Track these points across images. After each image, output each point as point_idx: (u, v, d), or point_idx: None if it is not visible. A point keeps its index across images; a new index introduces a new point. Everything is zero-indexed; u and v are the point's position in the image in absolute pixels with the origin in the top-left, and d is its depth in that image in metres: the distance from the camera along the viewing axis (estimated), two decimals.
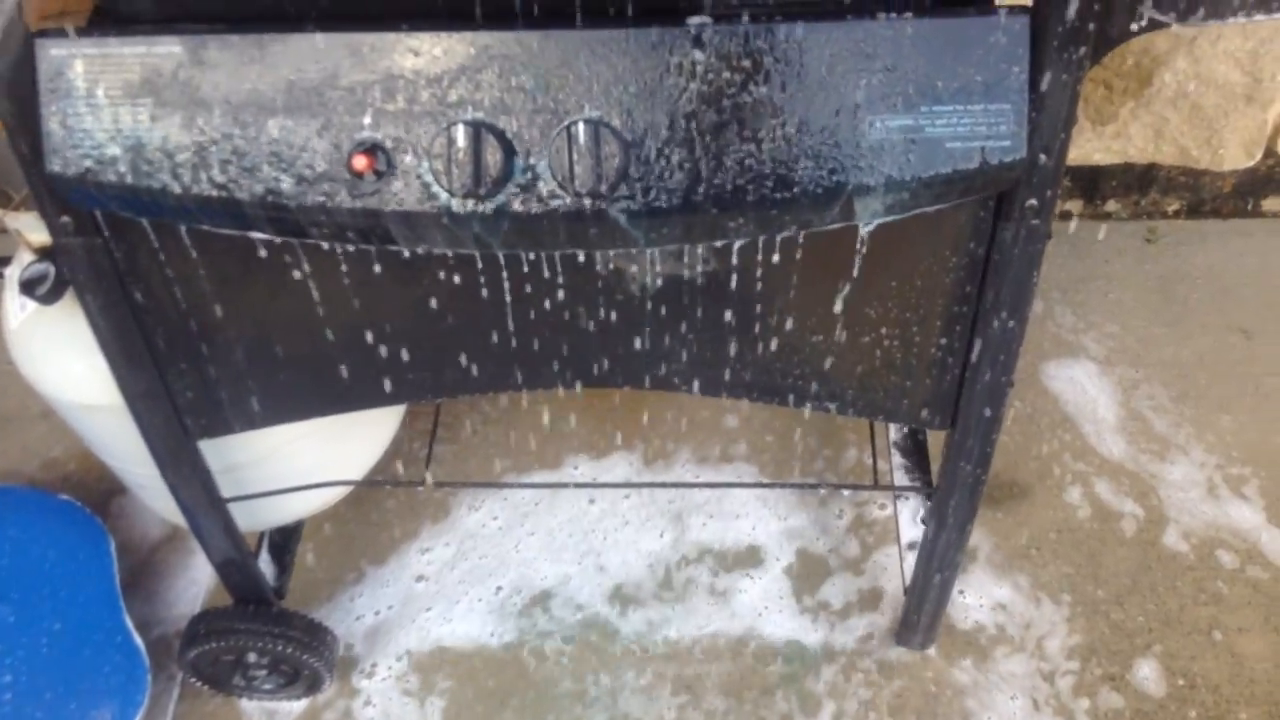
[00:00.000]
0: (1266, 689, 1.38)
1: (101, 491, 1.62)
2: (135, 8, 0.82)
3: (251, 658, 1.34)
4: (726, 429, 1.67)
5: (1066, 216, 1.95)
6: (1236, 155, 1.82)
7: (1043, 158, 0.83)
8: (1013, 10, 0.78)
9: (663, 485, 1.61)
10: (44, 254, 1.06)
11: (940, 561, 1.27)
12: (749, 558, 1.53)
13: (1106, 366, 1.74)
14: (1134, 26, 0.76)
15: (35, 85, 0.82)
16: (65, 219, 0.91)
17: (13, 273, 1.13)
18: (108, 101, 0.82)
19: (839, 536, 1.55)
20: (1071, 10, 0.76)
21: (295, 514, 1.41)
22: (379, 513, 1.61)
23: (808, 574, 1.52)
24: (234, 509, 1.23)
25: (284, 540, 1.45)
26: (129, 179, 0.83)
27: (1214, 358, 1.74)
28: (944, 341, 1.03)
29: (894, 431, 1.51)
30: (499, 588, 1.52)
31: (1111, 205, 1.94)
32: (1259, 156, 1.83)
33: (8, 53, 0.80)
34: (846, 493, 1.59)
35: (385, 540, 1.58)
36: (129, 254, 0.95)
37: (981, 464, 1.13)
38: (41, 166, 0.84)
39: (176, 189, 0.83)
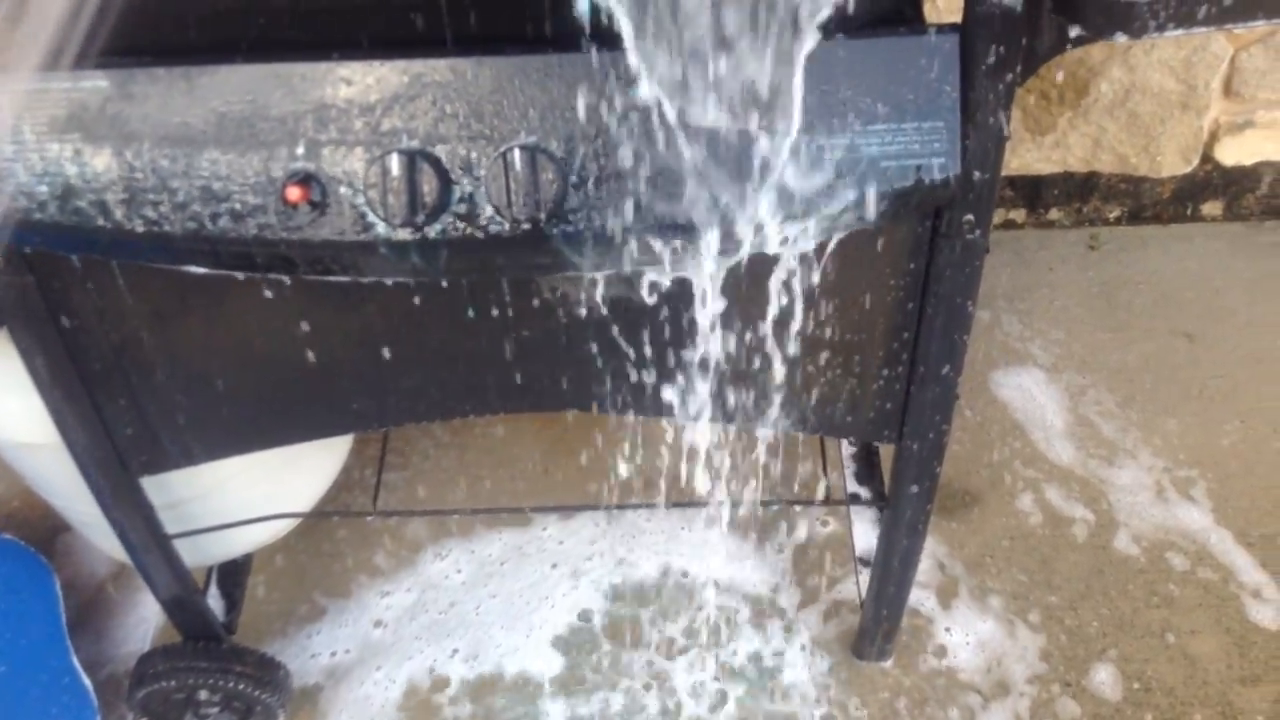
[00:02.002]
0: (1219, 689, 1.40)
1: (46, 529, 1.59)
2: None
3: (203, 695, 1.32)
4: (679, 448, 1.66)
5: (1010, 226, 1.98)
6: (1174, 162, 1.85)
7: (978, 174, 0.84)
8: (943, 29, 0.79)
9: (620, 507, 1.60)
10: None
11: (894, 573, 1.27)
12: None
13: (1054, 373, 1.76)
14: (1061, 43, 0.77)
15: None
16: None
17: None
18: (34, 138, 0.80)
19: (784, 565, 1.56)
20: (999, 29, 0.76)
21: (243, 548, 1.39)
22: (331, 543, 1.59)
23: (760, 609, 1.52)
24: (180, 544, 1.21)
25: (233, 574, 1.43)
26: (58, 216, 0.82)
27: (1158, 362, 1.76)
28: (889, 357, 1.03)
29: (847, 444, 1.52)
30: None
31: (1054, 214, 1.96)
32: (1196, 162, 1.87)
33: None
34: (797, 509, 1.60)
35: (338, 571, 1.56)
36: (61, 291, 0.93)
37: (930, 476, 1.13)
38: None
39: (107, 226, 0.82)
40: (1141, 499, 1.60)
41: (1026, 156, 1.85)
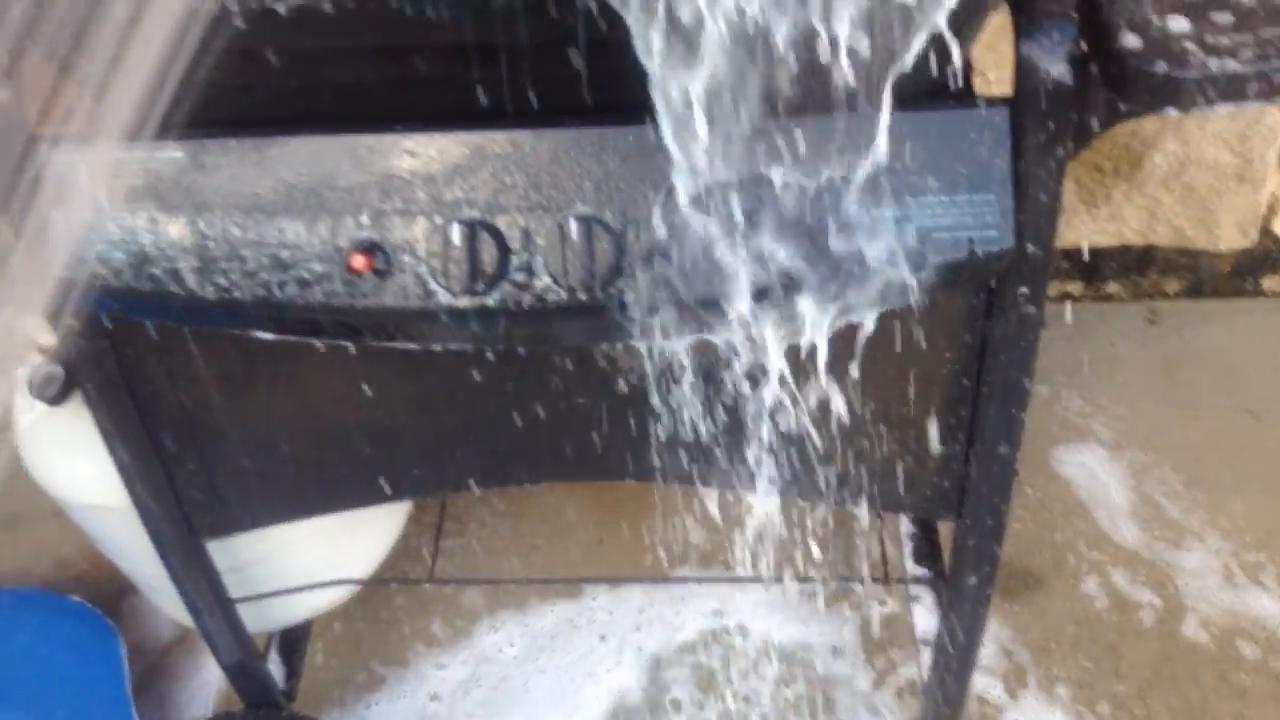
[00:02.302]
0: None
1: (113, 592, 1.61)
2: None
3: None
4: (735, 518, 1.66)
5: (1067, 299, 1.96)
6: (1232, 235, 1.83)
7: (1031, 246, 0.84)
8: (993, 103, 0.80)
9: (671, 580, 1.59)
10: (53, 356, 1.08)
11: (955, 656, 1.24)
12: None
13: (1116, 451, 1.73)
14: (1112, 117, 0.78)
15: (42, 191, 0.84)
16: (71, 322, 0.93)
17: (23, 374, 1.15)
18: (112, 207, 0.84)
19: (841, 644, 1.53)
20: (1050, 103, 0.77)
21: (304, 613, 1.40)
22: (389, 609, 1.60)
23: (816, 688, 1.50)
24: (242, 609, 1.23)
25: (293, 640, 1.45)
26: (132, 283, 0.85)
27: (1224, 440, 1.73)
28: (944, 432, 1.02)
29: (905, 519, 1.50)
30: None
31: (1112, 287, 1.94)
32: (1255, 236, 1.84)
33: (16, 159, 0.82)
34: (859, 588, 1.58)
35: (395, 639, 1.56)
36: (134, 355, 0.96)
37: (990, 557, 1.11)
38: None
39: (179, 292, 0.85)
40: (1210, 583, 1.56)
41: (1082, 229, 1.84)
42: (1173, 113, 0.74)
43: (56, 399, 1.06)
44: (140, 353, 0.97)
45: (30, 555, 1.68)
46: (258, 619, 1.31)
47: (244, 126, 0.82)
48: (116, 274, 0.85)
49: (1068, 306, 1.94)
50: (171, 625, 1.58)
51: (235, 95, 0.81)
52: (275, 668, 1.41)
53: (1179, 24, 0.73)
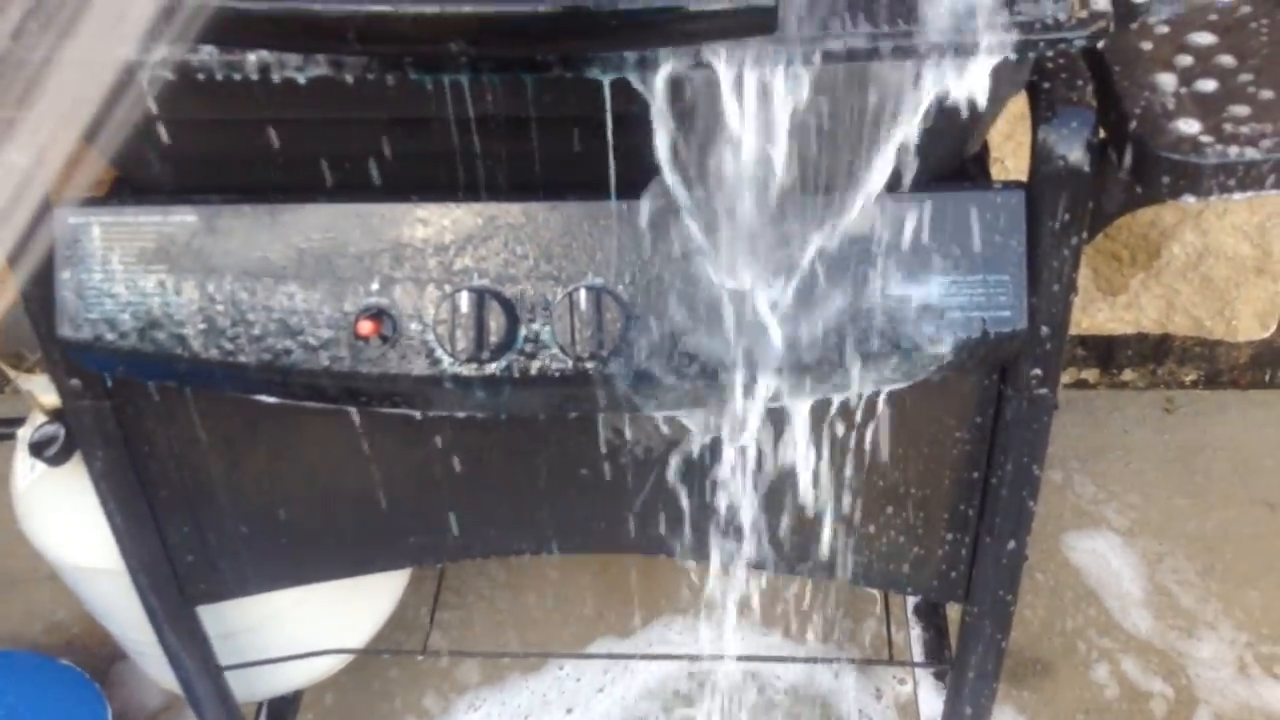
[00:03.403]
0: None
1: (103, 657, 1.59)
2: (155, 178, 0.84)
3: None
4: (738, 596, 1.63)
5: (1083, 385, 1.95)
6: (1250, 326, 1.82)
7: (1045, 328, 0.83)
8: (1008, 185, 0.80)
9: (662, 658, 1.57)
10: (55, 416, 1.07)
11: None
12: None
13: (1129, 538, 1.70)
14: (1129, 203, 0.77)
15: (51, 251, 0.84)
16: (75, 382, 0.92)
17: (24, 434, 1.14)
18: (122, 268, 0.84)
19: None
20: (1064, 188, 0.77)
21: (295, 683, 1.38)
22: (381, 681, 1.57)
23: None
24: (232, 678, 1.21)
25: (282, 710, 1.42)
26: (139, 345, 0.84)
27: (1239, 531, 1.70)
28: (953, 513, 1.01)
29: (912, 599, 1.48)
30: None
31: (1128, 374, 1.93)
32: (1273, 328, 1.83)
33: (27, 218, 0.82)
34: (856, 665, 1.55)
35: (386, 711, 1.53)
36: (135, 417, 0.95)
37: (997, 640, 1.09)
38: (53, 331, 0.85)
39: (185, 355, 0.84)
40: (1223, 675, 1.52)
41: (1098, 316, 1.83)
42: (1191, 200, 0.74)
43: (56, 459, 1.04)
44: (140, 414, 0.96)
45: (23, 617, 1.66)
46: (247, 688, 1.28)
47: (258, 192, 0.82)
48: (122, 335, 0.84)
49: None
50: (159, 693, 1.55)
51: (251, 161, 0.81)
52: None
53: (1191, 126, 0.73)
